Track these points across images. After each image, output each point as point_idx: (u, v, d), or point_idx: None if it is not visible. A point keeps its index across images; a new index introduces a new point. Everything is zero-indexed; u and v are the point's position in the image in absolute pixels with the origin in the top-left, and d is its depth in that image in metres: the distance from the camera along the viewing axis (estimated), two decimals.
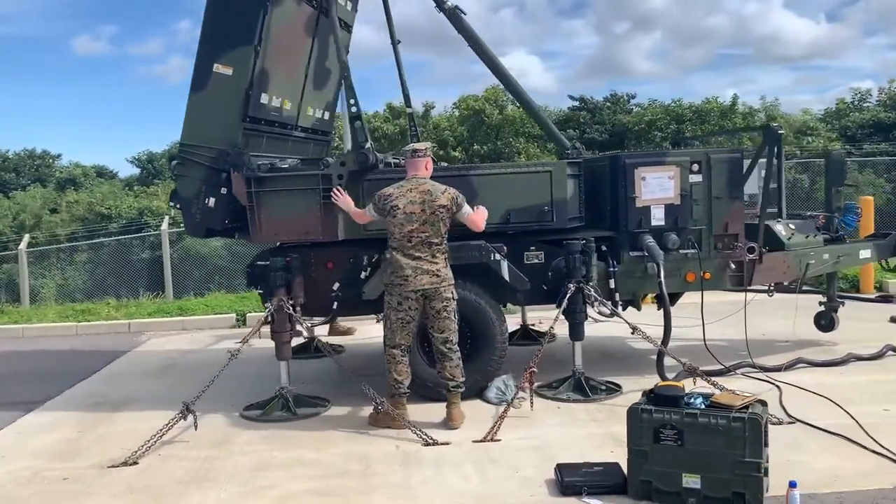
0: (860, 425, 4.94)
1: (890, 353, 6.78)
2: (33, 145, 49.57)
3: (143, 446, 4.95)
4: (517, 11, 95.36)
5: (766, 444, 3.99)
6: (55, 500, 4.35)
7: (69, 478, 4.67)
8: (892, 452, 4.46)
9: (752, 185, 9.10)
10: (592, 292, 5.90)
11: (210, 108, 5.99)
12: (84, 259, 19.35)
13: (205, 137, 6.05)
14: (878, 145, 22.94)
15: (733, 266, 6.41)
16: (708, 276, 6.38)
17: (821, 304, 7.41)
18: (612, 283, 6.27)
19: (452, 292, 5.33)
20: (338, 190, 5.64)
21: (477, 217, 5.36)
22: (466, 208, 5.32)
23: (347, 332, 8.81)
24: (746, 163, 6.62)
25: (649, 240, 6.19)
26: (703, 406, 3.92)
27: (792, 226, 6.96)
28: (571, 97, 29.90)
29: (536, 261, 6.21)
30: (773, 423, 5.04)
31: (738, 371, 6.38)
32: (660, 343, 5.98)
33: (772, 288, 6.93)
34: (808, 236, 6.91)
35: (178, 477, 4.58)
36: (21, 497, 4.41)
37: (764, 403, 4.05)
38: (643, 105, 28.15)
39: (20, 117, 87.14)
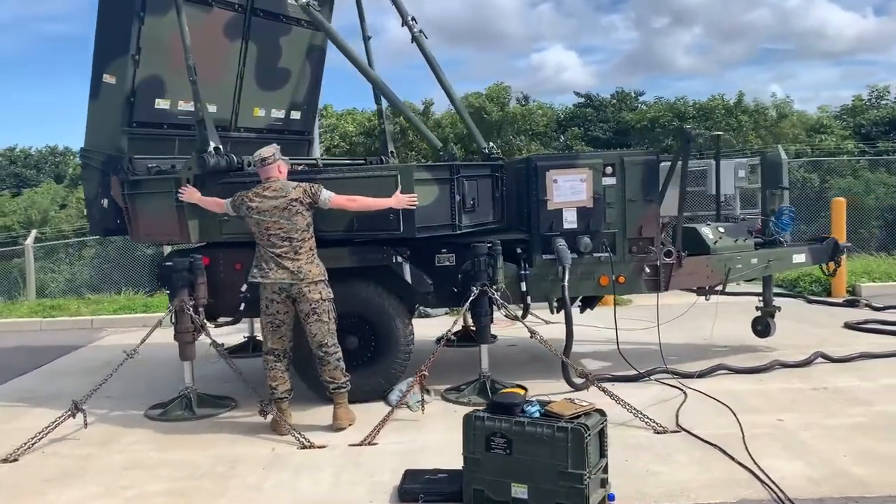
0: (742, 435, 4.84)
1: (819, 360, 6.62)
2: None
3: (26, 444, 5.05)
4: (555, 6, 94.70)
5: (604, 455, 3.93)
6: None
7: None
8: (757, 465, 4.37)
9: (729, 186, 9.01)
10: (497, 295, 5.85)
11: (101, 116, 6.34)
12: (91, 254, 19.77)
13: (98, 143, 6.42)
14: (893, 143, 22.32)
15: (648, 270, 6.31)
16: (622, 279, 6.29)
17: (757, 308, 7.26)
18: (523, 286, 6.22)
19: (321, 292, 5.31)
20: (185, 187, 5.72)
21: (341, 198, 5.38)
22: (325, 195, 5.32)
23: None
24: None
25: (560, 243, 6.13)
26: (537, 415, 3.87)
27: (721, 229, 6.83)
28: (577, 94, 29.71)
29: (448, 263, 6.17)
30: (658, 432, 4.99)
31: (652, 377, 6.28)
32: (562, 352, 5.91)
33: (696, 290, 6.82)
34: (736, 240, 6.77)
35: (46, 475, 4.67)
36: None
37: (602, 413, 3.99)
38: (649, 102, 27.78)
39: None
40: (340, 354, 5.41)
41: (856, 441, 4.73)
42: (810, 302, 9.83)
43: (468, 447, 3.93)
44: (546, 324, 7.97)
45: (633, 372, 6.32)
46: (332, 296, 5.40)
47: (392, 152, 8.67)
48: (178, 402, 5.87)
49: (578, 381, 5.94)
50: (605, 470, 3.96)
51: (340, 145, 22.48)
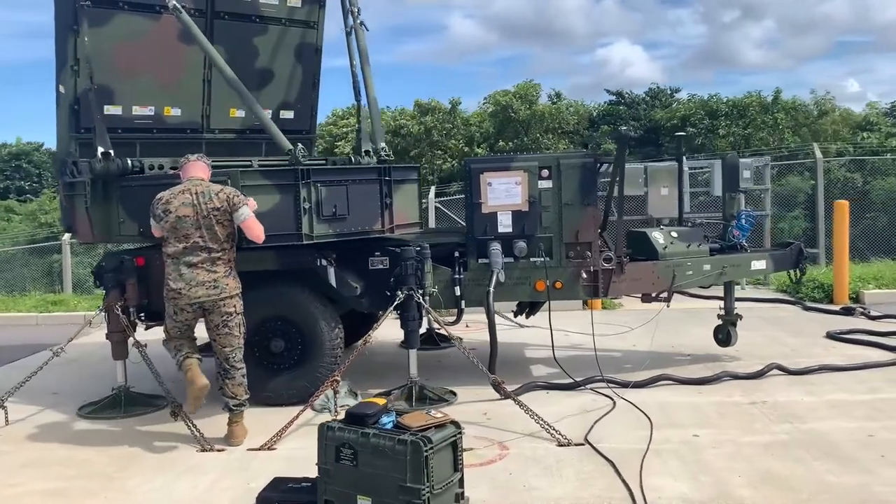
0: (646, 451, 4.66)
1: (775, 372, 6.32)
2: None
3: None
4: (621, 1, 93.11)
5: (458, 469, 3.83)
6: None
7: None
8: (640, 484, 4.19)
9: (717, 188, 8.70)
10: (425, 300, 5.76)
11: (59, 123, 6.56)
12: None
13: (59, 149, 6.65)
14: None
15: (585, 275, 6.13)
16: (559, 285, 6.15)
17: (718, 316, 6.98)
18: (457, 291, 6.13)
19: (235, 306, 5.15)
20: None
21: (252, 223, 5.04)
22: (243, 211, 5.02)
23: None
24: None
25: (494, 247, 6.02)
26: (389, 426, 3.79)
27: (674, 234, 6.60)
28: (608, 91, 29.13)
29: (381, 266, 6.12)
30: (562, 445, 4.84)
31: (587, 386, 6.10)
32: (486, 361, 5.81)
33: (641, 297, 6.60)
34: (689, 245, 6.53)
35: None
36: None
37: (457, 425, 3.87)
38: (683, 100, 26.99)
39: None
40: (245, 371, 5.27)
41: (760, 461, 4.50)
42: (807, 309, 9.43)
43: (321, 457, 3.87)
44: (520, 327, 7.95)
45: (569, 380, 6.15)
46: (242, 309, 5.26)
47: (368, 151, 8.53)
48: (109, 401, 5.98)
49: (506, 388, 5.84)
50: (461, 484, 3.85)
51: None
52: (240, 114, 7.93)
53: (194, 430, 5.13)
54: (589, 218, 6.11)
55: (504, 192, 6.10)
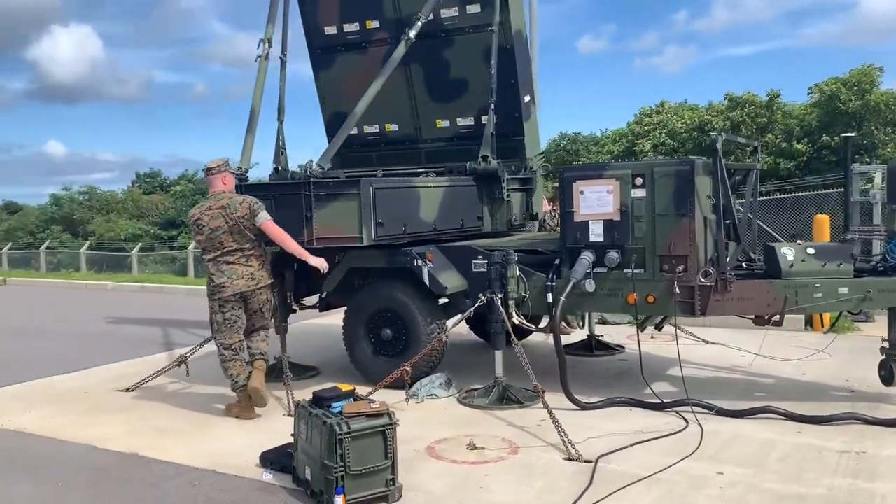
0: (642, 478, 4.43)
1: None
2: None
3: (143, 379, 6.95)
4: None
5: (388, 457, 4.18)
6: None
7: None
8: None
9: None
10: (500, 304, 6.01)
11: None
12: None
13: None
14: None
15: (679, 291, 5.76)
16: (651, 299, 5.88)
17: (881, 350, 5.94)
18: (549, 298, 6.21)
19: (268, 294, 6.00)
20: None
21: (271, 225, 5.81)
22: (262, 215, 5.79)
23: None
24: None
25: (583, 255, 6.00)
26: (335, 410, 4.29)
27: (810, 250, 5.83)
28: None
29: (483, 269, 6.46)
30: (569, 459, 4.81)
31: (674, 408, 5.74)
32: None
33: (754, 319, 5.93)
34: (825, 264, 5.71)
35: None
36: None
37: (391, 417, 4.20)
38: None
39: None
40: (268, 333, 6.19)
41: None
42: None
43: (294, 429, 4.54)
44: (704, 343, 7.62)
45: (657, 400, 5.86)
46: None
47: (486, 157, 7.55)
48: (270, 369, 7.24)
49: (579, 399, 5.84)
50: (392, 471, 4.20)
51: (667, 143, 21.78)
52: (445, 123, 8.72)
53: (290, 396, 6.09)
54: (683, 229, 5.72)
55: (596, 201, 6.02)
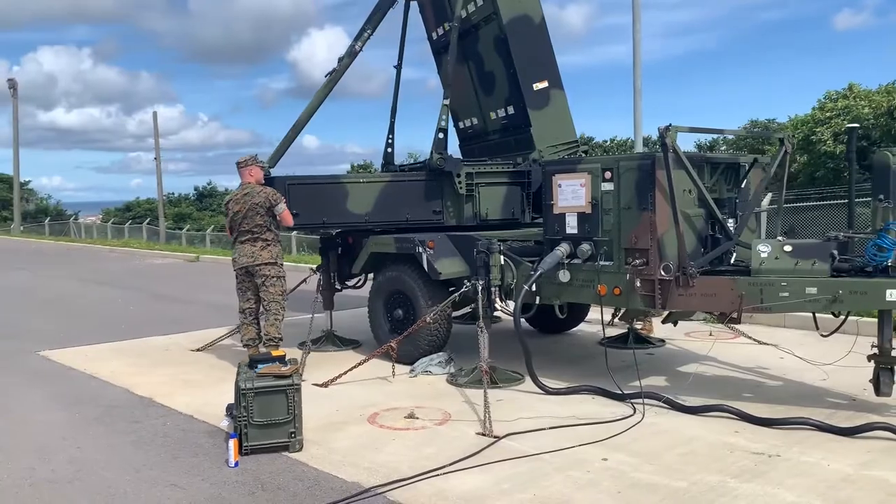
0: (522, 457, 4.73)
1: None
2: None
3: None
4: None
5: (290, 412, 4.86)
6: None
7: None
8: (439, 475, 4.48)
9: None
10: (491, 291, 6.41)
11: None
12: None
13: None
14: None
15: (640, 284, 5.81)
16: (618, 291, 5.98)
17: (869, 358, 5.56)
18: (533, 287, 6.49)
19: (269, 270, 6.78)
20: None
21: (286, 214, 6.84)
22: (281, 206, 6.78)
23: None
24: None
25: (559, 247, 6.23)
26: (255, 371, 5.05)
27: (788, 248, 5.61)
28: None
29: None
30: (481, 434, 5.17)
31: (633, 400, 5.80)
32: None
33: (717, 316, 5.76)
34: (797, 263, 5.48)
35: None
36: None
37: (294, 379, 4.87)
38: None
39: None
40: (279, 316, 6.80)
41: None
42: None
43: (235, 384, 5.36)
44: (757, 343, 7.57)
45: (618, 391, 5.94)
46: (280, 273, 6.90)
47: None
48: (323, 338, 8.19)
49: (546, 384, 6.11)
50: (295, 424, 4.87)
51: None
52: (494, 115, 8.82)
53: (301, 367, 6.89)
54: (645, 223, 5.75)
55: (571, 194, 6.20)
